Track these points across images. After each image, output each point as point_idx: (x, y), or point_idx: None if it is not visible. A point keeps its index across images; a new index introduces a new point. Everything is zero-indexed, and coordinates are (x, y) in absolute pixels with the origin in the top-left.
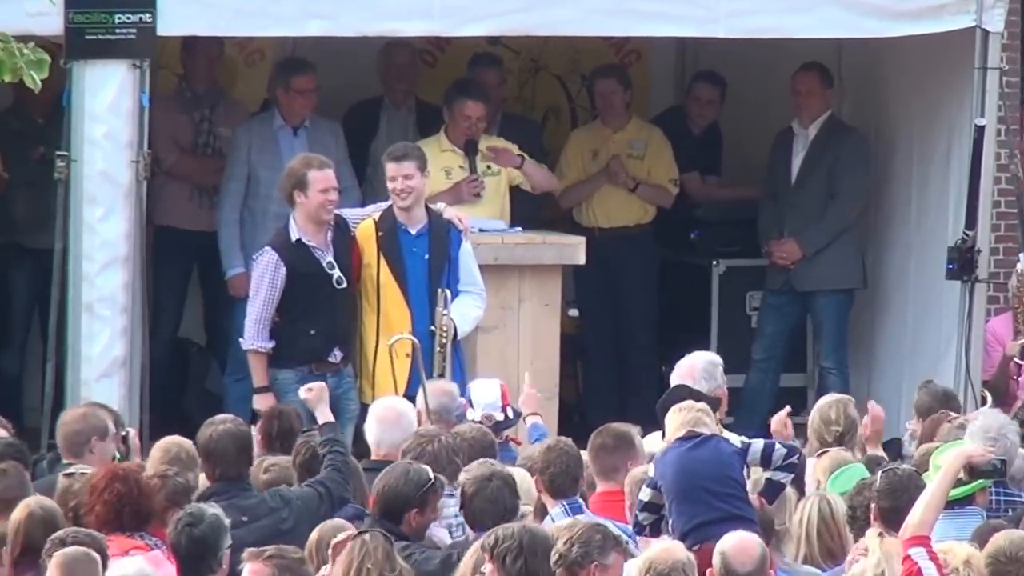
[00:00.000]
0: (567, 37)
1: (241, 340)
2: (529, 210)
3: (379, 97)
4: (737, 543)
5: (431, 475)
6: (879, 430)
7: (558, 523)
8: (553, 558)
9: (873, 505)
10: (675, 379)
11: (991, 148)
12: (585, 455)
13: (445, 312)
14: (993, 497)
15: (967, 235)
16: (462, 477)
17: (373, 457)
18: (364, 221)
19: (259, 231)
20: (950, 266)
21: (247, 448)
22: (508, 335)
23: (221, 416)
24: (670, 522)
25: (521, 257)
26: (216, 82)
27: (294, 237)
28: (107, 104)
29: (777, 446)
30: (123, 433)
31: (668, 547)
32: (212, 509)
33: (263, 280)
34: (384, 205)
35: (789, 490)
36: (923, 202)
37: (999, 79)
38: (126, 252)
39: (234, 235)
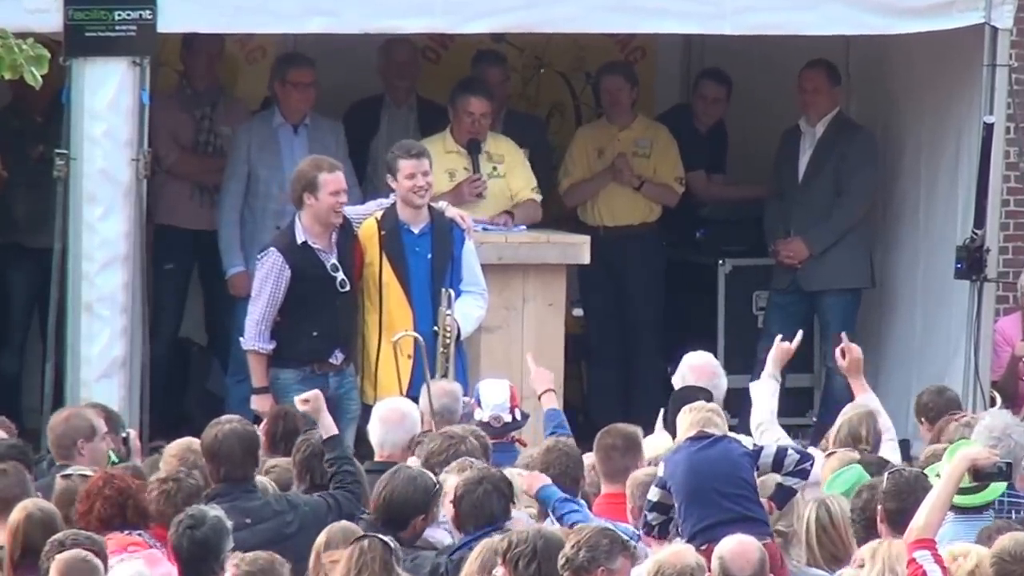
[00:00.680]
0: (571, 34)
1: (241, 340)
2: None
3: (380, 95)
4: (735, 547)
5: (436, 480)
6: (857, 359)
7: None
8: (560, 562)
9: (879, 507)
10: (687, 379)
11: (1000, 146)
12: (588, 455)
13: (449, 312)
14: (997, 498)
15: (976, 234)
16: (455, 480)
17: (377, 458)
18: (366, 220)
19: (259, 230)
20: (959, 265)
21: (253, 449)
22: (512, 335)
23: (227, 416)
24: (679, 522)
25: (525, 256)
26: (217, 80)
27: (300, 239)
28: (107, 102)
29: (790, 452)
30: (124, 435)
31: (678, 551)
32: (214, 511)
33: (267, 281)
34: (386, 202)
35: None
36: (931, 201)
37: (1008, 76)
38: (126, 251)
39: (234, 234)
